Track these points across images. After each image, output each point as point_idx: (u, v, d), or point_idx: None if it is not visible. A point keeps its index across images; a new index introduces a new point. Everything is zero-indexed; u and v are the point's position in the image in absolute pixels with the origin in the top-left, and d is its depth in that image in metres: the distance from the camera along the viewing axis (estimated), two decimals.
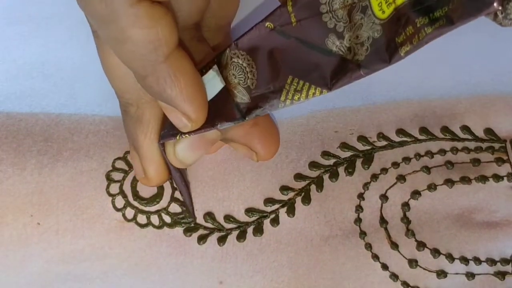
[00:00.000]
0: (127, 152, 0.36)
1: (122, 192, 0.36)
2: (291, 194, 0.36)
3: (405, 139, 0.37)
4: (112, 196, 0.36)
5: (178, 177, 0.34)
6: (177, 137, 0.30)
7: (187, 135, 0.30)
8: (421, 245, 0.35)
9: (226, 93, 0.29)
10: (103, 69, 0.30)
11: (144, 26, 0.25)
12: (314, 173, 0.37)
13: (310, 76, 0.27)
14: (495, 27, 0.38)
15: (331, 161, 0.37)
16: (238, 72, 0.29)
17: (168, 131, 0.30)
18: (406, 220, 0.36)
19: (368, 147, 0.37)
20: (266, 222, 0.36)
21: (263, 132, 0.34)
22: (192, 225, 0.36)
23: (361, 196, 0.36)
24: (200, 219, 0.36)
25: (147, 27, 0.26)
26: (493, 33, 0.38)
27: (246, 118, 0.29)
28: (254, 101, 0.28)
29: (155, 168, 0.32)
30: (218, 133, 0.31)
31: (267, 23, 0.28)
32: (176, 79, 0.27)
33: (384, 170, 0.37)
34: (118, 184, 0.36)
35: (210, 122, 0.29)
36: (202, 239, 0.35)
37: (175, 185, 0.36)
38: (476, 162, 0.37)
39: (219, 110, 0.29)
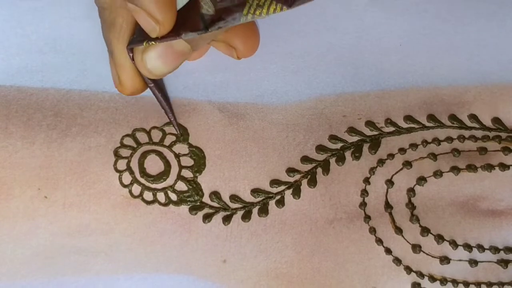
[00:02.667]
0: (136, 130, 0.37)
1: (129, 169, 0.36)
2: (297, 176, 0.36)
3: (412, 125, 0.37)
4: (120, 172, 0.36)
5: (154, 87, 0.34)
6: (144, 44, 0.30)
7: (153, 42, 0.30)
8: (425, 230, 0.36)
9: (193, 4, 0.30)
10: None
11: None
12: (321, 157, 0.37)
13: None
14: (504, 16, 0.38)
15: (338, 145, 0.37)
16: None
17: (137, 37, 0.31)
18: (411, 205, 0.36)
19: (375, 133, 0.37)
20: (272, 203, 0.36)
21: (242, 28, 0.34)
22: (198, 203, 0.36)
23: (367, 181, 0.36)
24: (206, 198, 0.36)
25: None
26: (503, 23, 0.38)
27: (209, 30, 0.29)
28: (218, 14, 0.29)
29: (127, 74, 0.33)
30: (187, 46, 0.31)
31: None
32: None
33: (391, 156, 0.37)
34: (125, 161, 0.36)
35: (176, 31, 0.30)
36: (207, 217, 0.36)
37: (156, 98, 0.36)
38: (482, 150, 0.37)
39: (185, 20, 0.30)
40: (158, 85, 0.35)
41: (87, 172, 0.36)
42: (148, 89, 0.35)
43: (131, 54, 0.32)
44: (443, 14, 0.38)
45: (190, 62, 0.37)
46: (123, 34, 0.32)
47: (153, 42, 0.30)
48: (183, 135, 0.36)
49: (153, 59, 0.31)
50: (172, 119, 0.36)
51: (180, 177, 0.36)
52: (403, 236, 0.36)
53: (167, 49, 0.31)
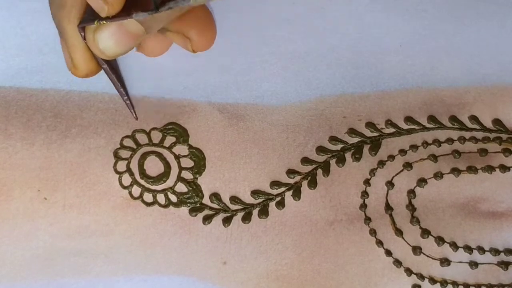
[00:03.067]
0: (136, 131, 0.37)
1: (129, 170, 0.36)
2: (297, 178, 0.36)
3: (413, 127, 0.37)
4: (119, 173, 0.36)
5: (108, 69, 0.34)
6: (95, 22, 0.30)
7: (104, 21, 0.30)
8: (425, 232, 0.36)
9: None
10: None
11: None
12: (321, 158, 0.37)
13: None
14: (504, 17, 0.38)
15: (339, 147, 0.37)
16: None
17: (88, 15, 0.31)
18: (411, 207, 0.36)
19: (376, 134, 0.37)
20: (272, 205, 0.36)
21: (197, 18, 0.34)
22: (198, 205, 0.36)
23: (367, 182, 0.36)
24: (206, 200, 0.36)
25: None
26: (503, 23, 0.38)
27: (159, 10, 0.29)
28: None
29: (80, 54, 0.32)
30: (141, 28, 0.31)
31: None
32: None
33: (391, 157, 0.37)
34: (125, 162, 0.36)
35: (127, 10, 0.29)
36: (207, 219, 0.36)
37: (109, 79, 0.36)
38: (483, 152, 0.37)
39: (136, 0, 0.29)
40: (112, 66, 0.34)
41: (87, 173, 0.36)
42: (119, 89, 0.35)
43: (82, 34, 0.32)
44: (443, 15, 0.38)
45: (187, 62, 0.37)
46: (73, 14, 0.31)
47: (104, 22, 0.30)
48: (137, 118, 0.37)
49: (105, 39, 0.31)
50: (127, 102, 0.36)
51: (180, 179, 0.36)
52: (403, 238, 0.36)
53: (120, 29, 0.30)
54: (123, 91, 0.36)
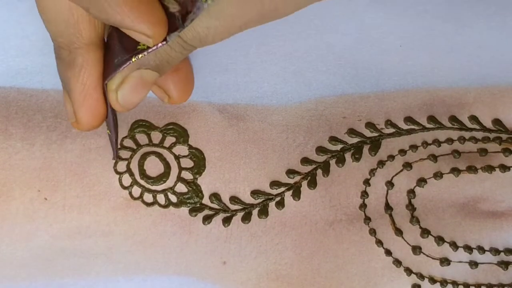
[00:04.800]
0: (136, 131, 0.37)
1: (129, 170, 0.36)
2: (297, 178, 0.36)
3: (413, 127, 0.37)
4: (119, 174, 0.36)
5: (112, 120, 0.33)
6: (133, 60, 0.29)
7: (144, 54, 0.29)
8: (425, 232, 0.36)
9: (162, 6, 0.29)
10: (38, 11, 0.30)
11: None
12: (321, 158, 0.37)
13: None
14: (505, 17, 0.38)
15: (338, 147, 0.37)
16: None
17: (119, 61, 0.30)
18: (411, 207, 0.36)
19: (375, 134, 0.37)
20: (272, 205, 0.36)
21: (182, 79, 0.34)
22: (198, 205, 0.36)
23: (367, 182, 0.36)
24: (206, 200, 0.36)
25: None
26: (503, 24, 0.38)
27: (185, 25, 0.28)
28: (183, 8, 0.28)
29: (85, 112, 0.32)
30: (155, 74, 0.31)
31: None
32: (117, 5, 0.27)
33: (391, 157, 0.37)
34: (125, 162, 0.36)
35: None
36: (207, 219, 0.36)
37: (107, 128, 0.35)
38: (483, 152, 0.37)
39: None
40: (115, 115, 0.34)
41: (87, 173, 0.36)
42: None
43: (105, 89, 0.31)
44: (444, 15, 0.38)
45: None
46: (82, 74, 0.31)
47: (141, 55, 0.29)
48: (118, 160, 0.36)
49: (127, 94, 0.31)
50: (114, 144, 0.35)
51: (180, 179, 0.36)
52: (403, 238, 0.36)
53: (138, 81, 0.30)
54: (115, 134, 0.35)
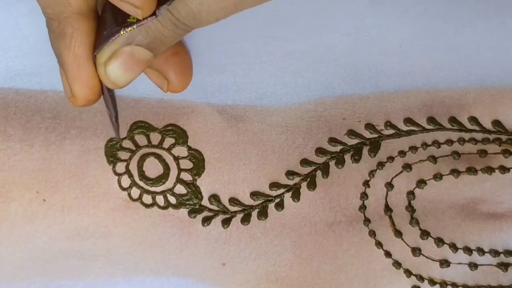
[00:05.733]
0: (135, 132, 0.36)
1: (128, 172, 0.36)
2: (296, 179, 0.36)
3: (412, 128, 0.37)
4: (118, 175, 0.36)
5: (109, 97, 0.33)
6: (122, 32, 0.29)
7: (132, 28, 0.29)
8: (425, 233, 0.36)
9: None
10: None
11: None
12: (320, 159, 0.37)
13: None
14: (504, 18, 0.38)
15: (338, 148, 0.37)
16: None
17: (108, 33, 0.30)
18: (410, 208, 0.36)
19: (375, 135, 0.37)
20: (271, 206, 0.36)
21: (180, 63, 0.34)
22: (197, 206, 0.36)
23: (366, 184, 0.36)
24: (205, 201, 0.36)
25: None
26: (503, 24, 0.38)
27: None
28: None
29: (80, 85, 0.31)
30: (149, 53, 0.30)
31: None
32: None
33: (391, 159, 0.37)
34: (124, 164, 0.36)
35: None
36: (206, 220, 0.36)
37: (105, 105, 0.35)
38: (482, 153, 0.37)
39: None
40: (113, 93, 0.34)
41: (86, 175, 0.36)
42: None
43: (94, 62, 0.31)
44: (443, 16, 0.38)
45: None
46: (73, 44, 0.30)
47: (131, 28, 0.29)
48: (121, 140, 0.36)
49: (116, 70, 0.30)
50: (115, 123, 0.35)
51: (179, 180, 0.36)
52: (403, 239, 0.36)
53: (129, 58, 0.30)
54: (114, 112, 0.35)
